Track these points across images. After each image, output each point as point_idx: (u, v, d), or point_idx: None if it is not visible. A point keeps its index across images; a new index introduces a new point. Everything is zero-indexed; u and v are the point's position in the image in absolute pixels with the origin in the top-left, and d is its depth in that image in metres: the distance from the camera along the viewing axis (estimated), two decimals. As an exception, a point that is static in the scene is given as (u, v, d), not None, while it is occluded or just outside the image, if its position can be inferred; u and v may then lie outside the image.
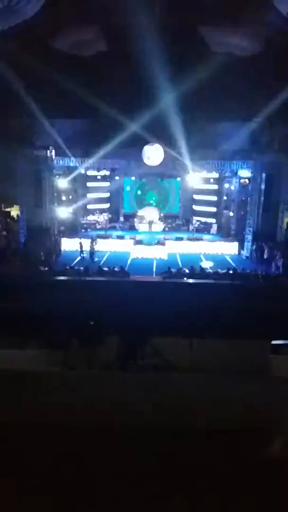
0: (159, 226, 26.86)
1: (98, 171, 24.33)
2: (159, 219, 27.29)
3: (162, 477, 0.92)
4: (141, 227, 26.54)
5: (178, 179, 27.46)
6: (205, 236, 24.43)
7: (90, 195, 27.28)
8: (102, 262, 19.17)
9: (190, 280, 11.08)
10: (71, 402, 1.00)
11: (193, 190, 27.58)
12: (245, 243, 22.79)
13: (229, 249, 23.00)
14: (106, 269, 16.17)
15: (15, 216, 25.95)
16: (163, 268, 17.12)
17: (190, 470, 0.93)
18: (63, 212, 24.61)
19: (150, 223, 25.77)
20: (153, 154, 22.19)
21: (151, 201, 28.18)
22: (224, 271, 16.44)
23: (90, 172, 24.86)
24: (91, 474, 0.92)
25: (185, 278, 14.79)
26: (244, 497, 0.91)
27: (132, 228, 26.46)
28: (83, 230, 25.47)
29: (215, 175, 24.25)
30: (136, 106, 21.73)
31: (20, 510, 0.90)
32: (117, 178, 27.06)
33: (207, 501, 0.90)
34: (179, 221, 27.73)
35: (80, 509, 0.90)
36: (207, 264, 19.21)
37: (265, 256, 20.97)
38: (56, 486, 0.92)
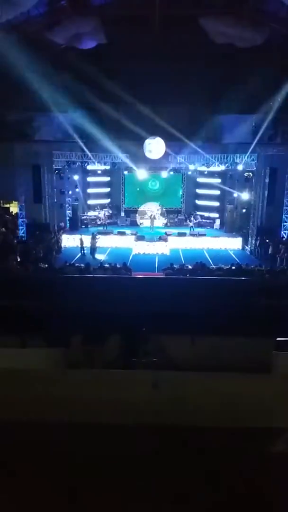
0: (161, 221, 26.49)
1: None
2: (161, 214, 26.93)
3: (162, 476, 0.92)
4: (143, 222, 26.16)
5: (180, 173, 27.04)
6: (209, 231, 24.04)
7: (91, 190, 26.97)
8: (103, 258, 18.88)
9: (193, 277, 10.84)
10: (72, 401, 1.01)
11: (196, 184, 27.27)
12: (249, 238, 22.42)
13: (232, 244, 22.69)
14: (107, 265, 15.94)
15: (14, 212, 25.71)
16: (165, 264, 16.85)
17: (191, 469, 0.93)
18: (63, 208, 24.26)
19: (152, 218, 25.40)
20: (154, 147, 21.80)
21: (153, 196, 27.73)
22: (228, 267, 16.18)
23: (90, 167, 24.50)
24: (92, 472, 0.93)
25: (187, 275, 14.55)
26: (245, 495, 0.91)
27: (133, 224, 26.04)
28: (83, 226, 25.11)
29: (218, 168, 23.83)
30: (137, 100, 21.37)
31: (20, 507, 0.91)
32: (117, 172, 26.64)
33: (208, 499, 0.91)
34: (181, 216, 27.33)
35: (81, 506, 0.92)
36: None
37: (270, 251, 20.60)
38: (56, 483, 0.93)
